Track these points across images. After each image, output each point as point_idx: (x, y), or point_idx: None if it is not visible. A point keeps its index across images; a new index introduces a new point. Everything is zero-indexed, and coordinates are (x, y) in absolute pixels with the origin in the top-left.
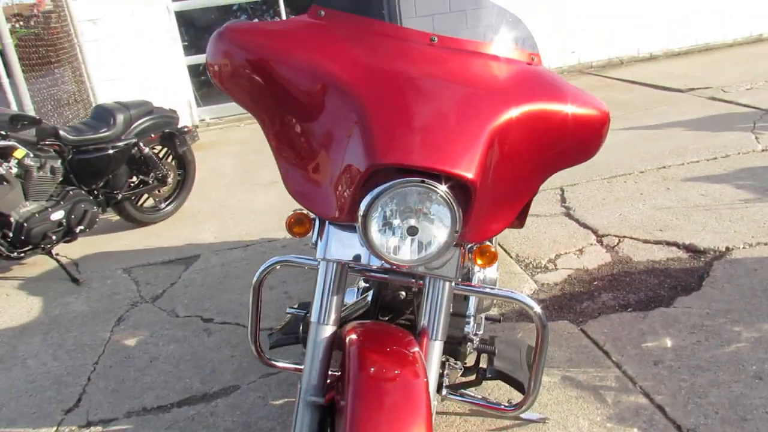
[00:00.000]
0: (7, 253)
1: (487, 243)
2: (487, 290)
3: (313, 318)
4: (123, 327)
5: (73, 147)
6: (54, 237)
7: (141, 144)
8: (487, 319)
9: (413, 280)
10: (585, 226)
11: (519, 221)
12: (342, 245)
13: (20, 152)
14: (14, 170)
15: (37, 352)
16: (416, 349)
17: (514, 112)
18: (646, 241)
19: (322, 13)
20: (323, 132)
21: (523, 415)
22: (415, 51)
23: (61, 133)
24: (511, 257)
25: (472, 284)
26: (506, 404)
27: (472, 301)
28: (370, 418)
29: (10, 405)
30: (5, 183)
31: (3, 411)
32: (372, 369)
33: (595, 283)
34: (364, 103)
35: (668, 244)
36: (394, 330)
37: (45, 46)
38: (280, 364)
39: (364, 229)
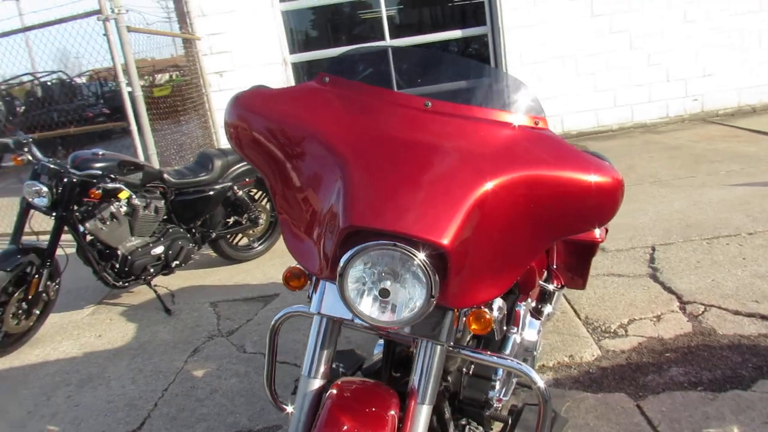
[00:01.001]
0: (113, 282)
1: (483, 309)
2: (484, 357)
3: (303, 371)
4: (196, 358)
5: (175, 189)
6: (153, 270)
7: (236, 187)
8: (518, 384)
9: (411, 339)
10: (669, 290)
11: (581, 282)
12: (335, 300)
13: (125, 194)
14: (123, 209)
15: (121, 374)
16: (393, 412)
17: (504, 179)
18: (736, 313)
19: (327, 79)
20: (314, 191)
21: None
22: (407, 116)
23: (165, 176)
24: (579, 318)
25: (469, 348)
26: None
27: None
28: None
29: (88, 421)
30: (115, 220)
31: (81, 426)
32: (336, 428)
33: (667, 354)
34: (347, 166)
35: (763, 318)
36: (380, 390)
37: (178, 95)
38: (289, 409)
39: (341, 289)
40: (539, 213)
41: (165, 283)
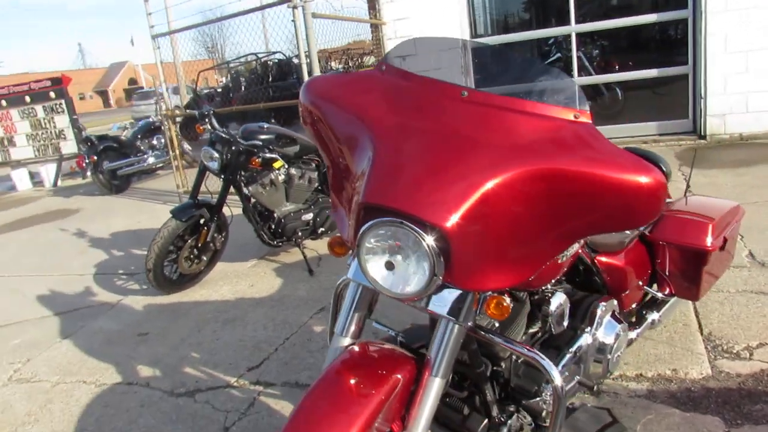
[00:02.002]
0: (269, 240)
1: (502, 296)
2: (500, 340)
3: (336, 329)
4: (320, 315)
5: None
6: (301, 234)
7: None
8: (579, 384)
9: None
10: None
11: (694, 291)
12: None
13: (278, 163)
14: (281, 177)
15: (257, 320)
16: (400, 375)
17: (526, 170)
18: None
19: (384, 67)
20: (351, 168)
21: None
22: (442, 104)
23: None
24: (701, 333)
25: (488, 330)
26: None
27: (566, 360)
28: (306, 412)
29: (221, 354)
30: (273, 186)
31: (215, 356)
32: (335, 380)
33: None
34: (376, 147)
35: None
36: (395, 355)
37: None
38: None
39: (358, 258)
40: (562, 209)
41: (315, 246)
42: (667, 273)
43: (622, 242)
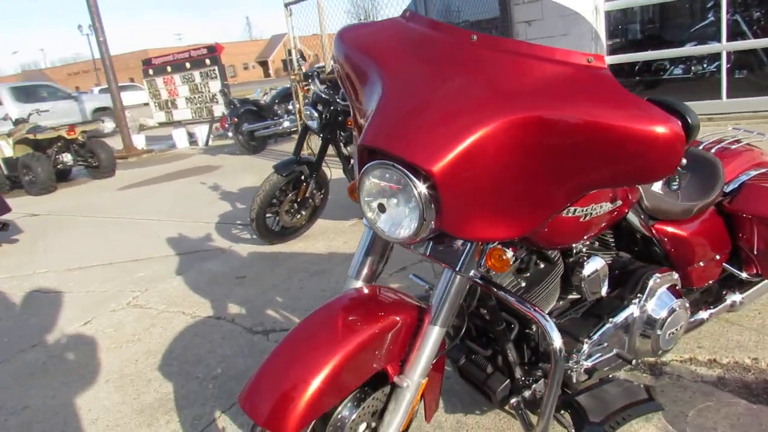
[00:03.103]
0: None
1: (503, 248)
2: (502, 294)
3: (350, 272)
4: (400, 274)
5: None
6: None
7: None
8: (618, 356)
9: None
10: None
11: None
12: None
13: None
14: None
15: (341, 273)
16: (398, 318)
17: (526, 116)
18: None
19: (407, 14)
20: (366, 113)
21: None
22: (452, 48)
23: None
24: None
25: (491, 283)
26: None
27: (605, 330)
28: (295, 337)
29: (302, 300)
30: None
31: (298, 303)
32: (329, 312)
33: None
34: (384, 91)
35: None
36: (401, 300)
37: None
38: None
39: (359, 200)
40: (566, 158)
41: None
42: (755, 251)
43: (687, 210)
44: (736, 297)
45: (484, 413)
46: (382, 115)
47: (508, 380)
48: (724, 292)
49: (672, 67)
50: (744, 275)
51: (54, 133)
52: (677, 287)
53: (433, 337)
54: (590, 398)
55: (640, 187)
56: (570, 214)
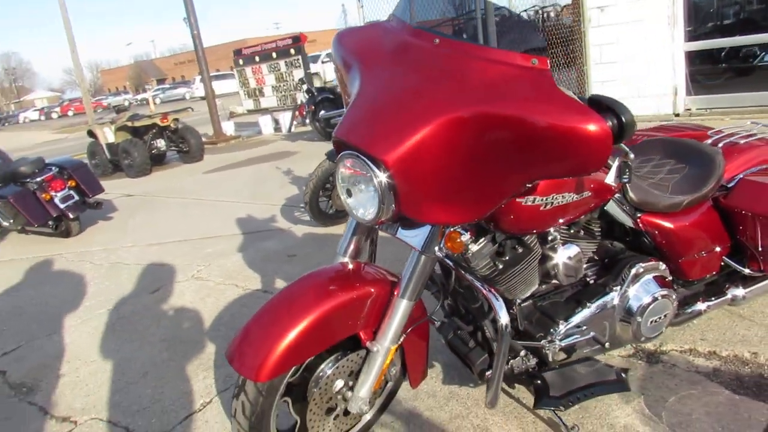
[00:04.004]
0: None
1: (458, 231)
2: (462, 272)
3: (338, 250)
4: None
5: None
6: None
7: None
8: (594, 340)
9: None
10: None
11: None
12: None
13: None
14: None
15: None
16: (373, 290)
17: (472, 113)
18: None
19: (391, 18)
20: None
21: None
22: (417, 50)
23: None
24: None
25: (453, 261)
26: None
27: (584, 314)
28: (274, 301)
29: None
30: None
31: None
32: (304, 282)
33: None
34: (358, 90)
35: None
36: (378, 274)
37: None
38: None
39: (336, 185)
40: (508, 151)
41: None
42: (759, 248)
43: (675, 204)
44: (739, 291)
45: (477, 387)
46: (353, 111)
47: (487, 355)
48: (726, 286)
49: (763, 54)
50: (747, 271)
51: (149, 121)
52: (665, 278)
53: (401, 308)
54: (557, 375)
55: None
56: (530, 203)
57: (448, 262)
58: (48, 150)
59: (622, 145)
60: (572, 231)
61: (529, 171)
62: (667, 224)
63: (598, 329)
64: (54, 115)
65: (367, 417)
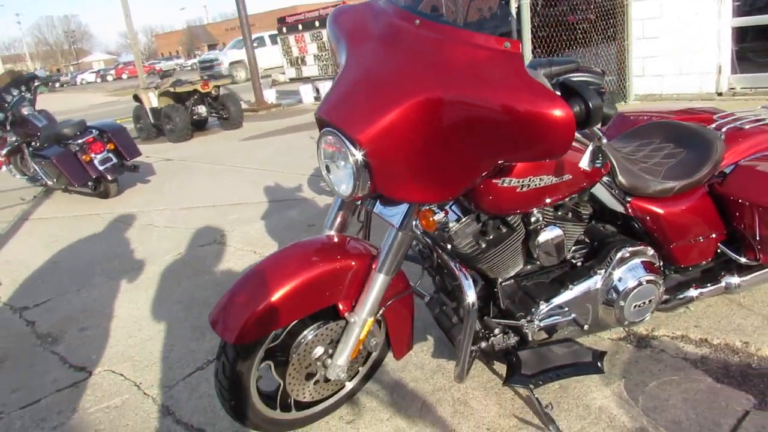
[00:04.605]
0: None
1: (431, 209)
2: (439, 252)
3: (325, 223)
4: None
5: None
6: None
7: None
8: (574, 321)
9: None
10: None
11: None
12: None
13: None
14: None
15: None
16: (354, 263)
17: (443, 95)
18: None
19: None
20: None
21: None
22: (399, 30)
23: None
24: None
25: (435, 241)
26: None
27: (566, 295)
28: (260, 267)
29: None
30: None
31: None
32: (297, 246)
33: None
34: (343, 68)
35: None
36: (361, 248)
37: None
38: None
39: (318, 161)
40: (476, 133)
41: None
42: (756, 237)
43: (666, 189)
44: (734, 280)
45: None
46: (334, 90)
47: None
48: (721, 273)
49: None
50: (743, 260)
51: (190, 87)
52: (652, 263)
53: (378, 282)
54: (533, 354)
55: (614, 162)
56: (506, 184)
57: (427, 239)
58: (100, 112)
59: (596, 129)
60: (560, 213)
61: (496, 153)
62: (658, 209)
63: (580, 311)
64: (109, 78)
65: (351, 385)
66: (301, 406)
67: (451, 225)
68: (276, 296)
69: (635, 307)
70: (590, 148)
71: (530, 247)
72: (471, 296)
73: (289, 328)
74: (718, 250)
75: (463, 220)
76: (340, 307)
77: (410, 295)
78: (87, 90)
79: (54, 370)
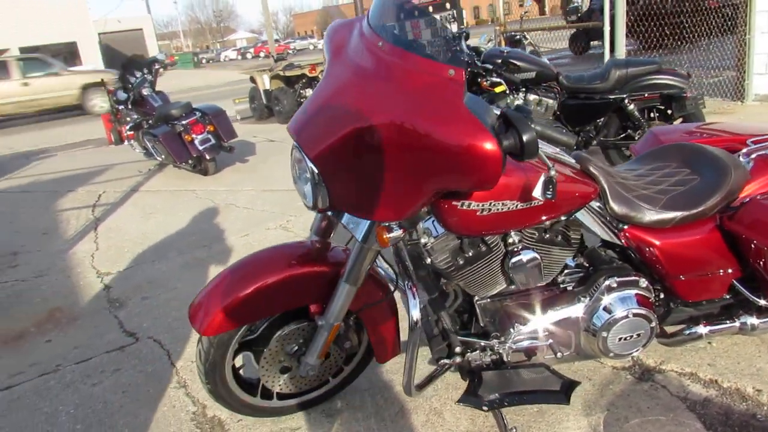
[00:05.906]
0: None
1: (390, 226)
2: (404, 266)
3: (310, 227)
4: None
5: (567, 91)
6: None
7: (627, 100)
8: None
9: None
10: None
11: None
12: None
13: (500, 88)
14: (518, 102)
15: None
16: (327, 269)
17: (385, 120)
18: None
19: (364, 16)
20: None
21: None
22: (365, 51)
23: (561, 78)
24: None
25: (400, 258)
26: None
27: (544, 320)
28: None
29: None
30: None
31: None
32: (274, 249)
33: None
34: (318, 84)
35: None
36: (337, 256)
37: None
38: None
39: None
40: (414, 160)
41: None
42: None
43: (663, 221)
44: (752, 320)
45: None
46: (304, 107)
47: (445, 344)
48: (738, 312)
49: None
50: (762, 302)
51: (299, 71)
52: (644, 295)
53: (343, 291)
54: (497, 375)
55: (606, 187)
56: (465, 207)
57: (404, 252)
58: (228, 90)
59: (546, 160)
60: (547, 236)
61: (433, 180)
62: (654, 240)
63: (559, 338)
64: (248, 56)
65: (335, 381)
66: (282, 396)
67: (424, 240)
68: (246, 294)
69: (620, 339)
70: (542, 178)
71: (504, 268)
72: (415, 315)
73: (268, 322)
74: (735, 288)
75: (439, 236)
76: (311, 309)
77: (390, 302)
78: (227, 67)
79: (111, 332)
